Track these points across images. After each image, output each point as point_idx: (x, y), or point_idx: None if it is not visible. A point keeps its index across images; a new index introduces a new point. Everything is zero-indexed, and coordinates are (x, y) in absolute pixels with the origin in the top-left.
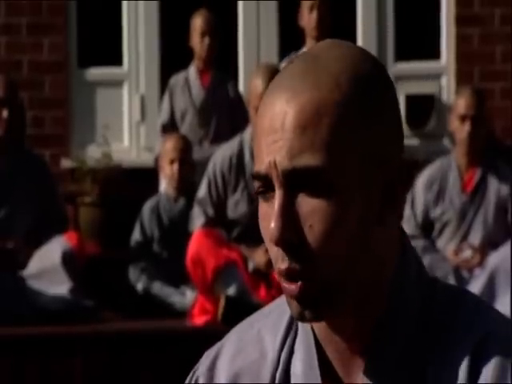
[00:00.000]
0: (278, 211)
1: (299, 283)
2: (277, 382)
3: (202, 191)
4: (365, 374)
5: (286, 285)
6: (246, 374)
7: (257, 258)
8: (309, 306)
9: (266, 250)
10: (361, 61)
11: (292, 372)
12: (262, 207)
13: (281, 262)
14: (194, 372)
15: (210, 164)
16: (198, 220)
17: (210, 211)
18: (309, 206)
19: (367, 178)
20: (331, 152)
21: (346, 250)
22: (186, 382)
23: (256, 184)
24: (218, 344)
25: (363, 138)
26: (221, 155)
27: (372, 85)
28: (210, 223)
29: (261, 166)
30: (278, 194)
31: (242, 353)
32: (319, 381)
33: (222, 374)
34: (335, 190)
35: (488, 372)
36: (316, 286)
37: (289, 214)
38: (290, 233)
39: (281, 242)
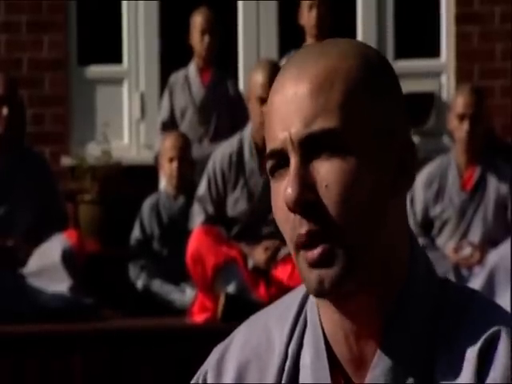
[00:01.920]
0: (294, 175)
1: (320, 247)
2: (285, 374)
3: (201, 189)
4: (374, 368)
5: (305, 252)
6: (253, 364)
7: (256, 256)
8: (330, 270)
9: (266, 248)
10: (365, 46)
11: (301, 364)
12: (275, 188)
13: (300, 227)
14: (203, 367)
15: (209, 162)
16: (197, 218)
17: (210, 209)
18: (324, 168)
19: (380, 144)
20: (345, 115)
21: (365, 214)
22: (196, 375)
23: (270, 163)
24: (229, 337)
25: (374, 105)
26: (220, 153)
27: (379, 65)
28: (209, 221)
29: (275, 142)
30: (294, 161)
31: (248, 343)
32: (327, 373)
33: (230, 366)
34: (349, 151)
35: (496, 371)
36: (338, 248)
37: (305, 177)
38: (307, 193)
39: (298, 204)
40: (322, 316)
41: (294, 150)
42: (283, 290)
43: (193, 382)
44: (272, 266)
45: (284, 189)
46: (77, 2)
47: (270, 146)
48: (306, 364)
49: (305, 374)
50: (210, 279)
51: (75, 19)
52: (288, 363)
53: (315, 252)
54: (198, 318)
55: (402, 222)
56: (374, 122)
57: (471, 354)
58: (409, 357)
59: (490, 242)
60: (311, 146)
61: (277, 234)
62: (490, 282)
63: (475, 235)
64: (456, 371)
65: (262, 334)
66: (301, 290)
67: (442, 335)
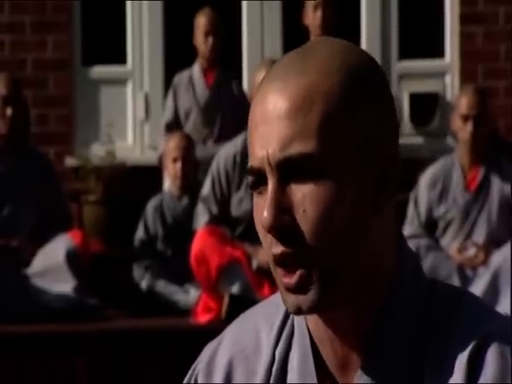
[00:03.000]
0: (271, 198)
1: (296, 274)
2: (273, 376)
3: (205, 189)
4: (361, 373)
5: (282, 276)
6: (241, 365)
7: (260, 256)
8: (306, 297)
9: None
10: (351, 51)
11: (289, 368)
12: (256, 202)
13: (275, 247)
14: (195, 367)
15: (213, 162)
16: (202, 218)
17: (214, 209)
18: (301, 192)
19: (359, 164)
20: (322, 138)
21: (343, 237)
22: (187, 376)
23: (250, 179)
24: (219, 337)
25: (354, 124)
26: (224, 153)
27: (362, 75)
28: (214, 221)
29: (254, 160)
30: (271, 184)
31: (238, 344)
32: (314, 377)
33: (220, 367)
34: (327, 175)
35: (487, 374)
36: (313, 273)
37: (281, 201)
38: (283, 218)
39: (274, 227)
40: (308, 320)
41: (272, 173)
42: None
43: (185, 381)
44: None
45: (262, 210)
46: (81, 3)
47: (250, 162)
48: (293, 367)
49: (292, 377)
50: (214, 280)
51: (79, 20)
52: (275, 366)
53: (292, 279)
54: (202, 318)
55: (386, 234)
56: (353, 143)
57: (461, 359)
58: (396, 363)
59: (494, 242)
60: (288, 168)
61: None
62: (495, 282)
63: (479, 236)
64: (446, 377)
65: (251, 335)
66: None
67: (430, 340)
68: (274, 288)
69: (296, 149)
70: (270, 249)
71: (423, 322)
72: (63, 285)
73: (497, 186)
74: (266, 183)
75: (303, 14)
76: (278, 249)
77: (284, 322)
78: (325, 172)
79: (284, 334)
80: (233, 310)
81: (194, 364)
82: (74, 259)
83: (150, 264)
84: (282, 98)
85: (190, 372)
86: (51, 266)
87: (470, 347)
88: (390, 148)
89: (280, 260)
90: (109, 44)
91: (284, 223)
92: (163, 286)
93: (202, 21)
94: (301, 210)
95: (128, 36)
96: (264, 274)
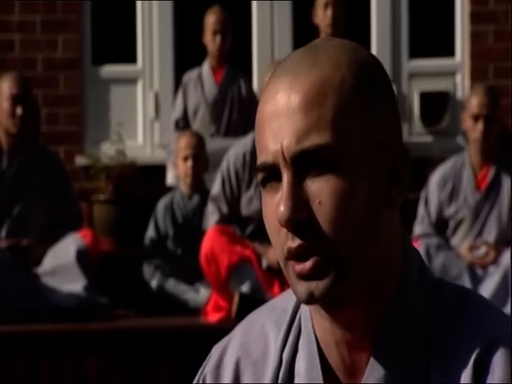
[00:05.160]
0: (287, 192)
1: (310, 260)
2: (280, 380)
3: (215, 188)
4: (368, 374)
5: (295, 264)
6: (249, 368)
7: (270, 255)
8: (319, 283)
9: None
10: (357, 48)
11: (296, 371)
12: (267, 199)
13: (291, 241)
14: (203, 368)
15: (223, 161)
16: (212, 217)
17: (224, 208)
18: (317, 184)
19: (373, 156)
20: (337, 129)
21: (358, 228)
22: (196, 378)
23: (260, 175)
24: (226, 338)
25: (366, 116)
26: (234, 152)
27: (370, 69)
28: (224, 220)
29: (267, 155)
30: (286, 178)
31: (246, 347)
32: (321, 380)
33: (228, 369)
34: (342, 167)
35: (494, 377)
36: (328, 261)
37: (298, 194)
38: (300, 212)
39: (291, 221)
40: (314, 323)
41: (287, 166)
42: None
43: (195, 381)
44: None
45: (276, 204)
46: (91, 2)
47: (261, 158)
48: (300, 371)
49: (299, 380)
50: (224, 279)
51: (89, 19)
52: (282, 369)
53: (306, 265)
54: (212, 317)
55: (395, 231)
56: (366, 135)
57: (468, 361)
58: (402, 365)
59: (504, 241)
60: (304, 161)
61: None
62: (505, 281)
63: (490, 235)
64: (452, 378)
65: (259, 338)
66: (293, 298)
67: (437, 341)
68: (283, 287)
69: (312, 141)
70: (284, 244)
71: (430, 321)
72: (73, 284)
73: (507, 185)
74: (277, 179)
75: (313, 13)
76: (295, 242)
77: (290, 324)
78: (340, 163)
79: (291, 337)
80: (243, 309)
81: (202, 366)
82: (84, 258)
83: (160, 263)
84: (294, 93)
85: (198, 374)
86: (61, 265)
87: (477, 349)
88: (400, 142)
89: (295, 253)
90: (119, 43)
91: (301, 216)
92: (173, 285)
93: (210, 19)
94: (316, 202)
95: (138, 35)
96: (274, 273)
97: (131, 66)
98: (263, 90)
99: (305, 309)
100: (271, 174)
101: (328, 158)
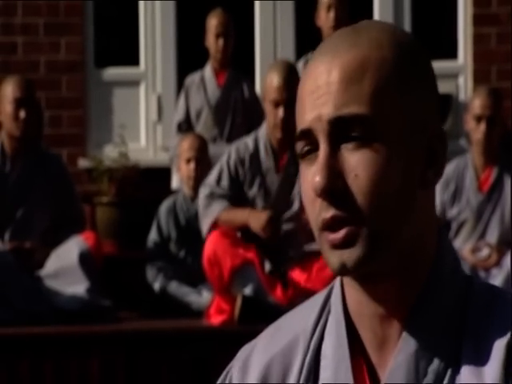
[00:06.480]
0: (323, 162)
1: (343, 229)
2: (305, 366)
3: (211, 179)
4: (400, 350)
5: (328, 235)
6: (277, 361)
7: (253, 222)
8: (352, 253)
9: (269, 219)
10: (401, 32)
11: (322, 353)
12: (304, 172)
13: (325, 212)
14: (230, 367)
15: (224, 156)
16: (215, 207)
17: (219, 191)
18: (354, 157)
19: (410, 135)
20: (376, 104)
21: (391, 202)
22: (223, 374)
23: (299, 145)
24: (254, 340)
25: (405, 94)
26: (236, 148)
27: (412, 52)
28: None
29: (305, 122)
30: (323, 148)
31: (274, 343)
32: (348, 359)
33: (256, 365)
34: (380, 141)
35: None
36: (360, 232)
37: (334, 165)
38: (336, 182)
39: (326, 191)
40: (347, 298)
41: (323, 133)
42: (300, 292)
43: (219, 381)
44: (269, 235)
45: (313, 174)
46: (94, 5)
47: (300, 126)
48: (327, 354)
49: (325, 365)
50: (227, 281)
51: (92, 21)
52: (309, 354)
53: (339, 234)
54: (215, 319)
55: (430, 214)
56: (405, 112)
57: (500, 343)
58: (434, 342)
59: (507, 243)
60: (341, 131)
61: (293, 231)
62: (508, 283)
63: (492, 236)
64: (482, 362)
65: (288, 334)
66: (325, 291)
67: (469, 324)
68: (286, 290)
69: (350, 110)
70: (319, 214)
71: (462, 309)
72: (76, 286)
73: (510, 186)
74: (316, 149)
75: (316, 15)
76: (329, 213)
77: (320, 314)
78: (377, 136)
79: (321, 322)
80: (245, 312)
81: (229, 365)
82: (87, 261)
83: (163, 265)
84: (334, 68)
85: (224, 373)
86: (64, 267)
87: (508, 336)
88: (437, 126)
89: (329, 224)
90: (121, 46)
91: (336, 186)
92: (176, 288)
93: (212, 22)
94: (352, 174)
95: (141, 38)
96: (277, 276)
97: (134, 69)
98: (306, 67)
99: (336, 291)
100: (309, 145)
101: (365, 131)
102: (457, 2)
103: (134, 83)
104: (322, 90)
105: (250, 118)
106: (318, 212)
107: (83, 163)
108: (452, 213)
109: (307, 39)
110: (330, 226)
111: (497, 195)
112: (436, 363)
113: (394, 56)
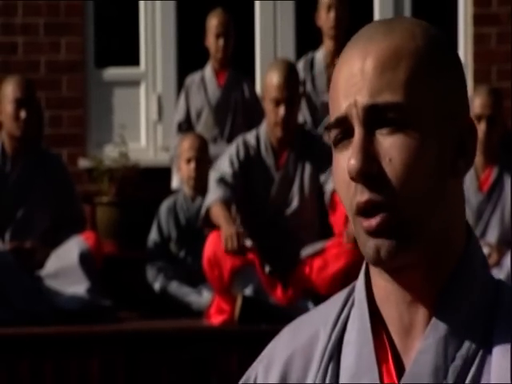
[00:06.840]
0: (358, 146)
1: (378, 216)
2: (327, 352)
3: (224, 166)
4: (428, 334)
5: (363, 221)
6: (297, 356)
7: (224, 230)
8: (386, 240)
9: (235, 234)
10: (430, 25)
11: (345, 341)
12: (338, 158)
13: (360, 196)
14: (254, 366)
15: (232, 146)
16: (214, 193)
17: (229, 188)
18: (388, 142)
19: (442, 123)
20: (410, 91)
21: (425, 188)
22: (245, 376)
23: (334, 132)
24: (276, 337)
25: (437, 83)
26: (243, 140)
27: (444, 45)
28: (227, 199)
29: (339, 110)
30: (358, 132)
31: (295, 338)
32: (371, 343)
33: (276, 366)
34: (413, 127)
35: None
36: (396, 219)
37: (368, 149)
38: (370, 165)
39: (361, 174)
40: (374, 285)
41: (358, 119)
42: (300, 292)
43: (241, 381)
44: (229, 249)
45: (347, 159)
46: (94, 4)
47: (335, 114)
48: (349, 341)
49: (348, 351)
50: (227, 281)
51: (93, 21)
52: (331, 343)
53: (373, 221)
54: (215, 320)
55: (459, 203)
56: (437, 101)
57: None
58: (464, 327)
59: (507, 243)
60: (375, 117)
61: (292, 228)
62: (508, 283)
63: (492, 236)
64: (507, 368)
65: (310, 329)
66: (348, 288)
67: (501, 309)
68: (286, 291)
69: (385, 98)
70: (353, 199)
71: (494, 296)
72: (76, 286)
73: (510, 186)
74: (350, 136)
75: (316, 15)
76: (364, 196)
77: (342, 307)
78: (410, 123)
79: (341, 317)
80: (246, 312)
81: (252, 365)
82: (87, 261)
83: (164, 265)
84: (368, 57)
85: (248, 371)
86: (65, 267)
87: None
88: (468, 118)
89: (364, 208)
90: (122, 46)
91: (370, 169)
92: (176, 288)
93: (212, 22)
94: (387, 158)
95: (141, 38)
96: (277, 276)
97: (134, 69)
98: (340, 57)
99: (360, 280)
100: (343, 132)
101: (399, 117)
102: (457, 1)
103: (134, 83)
104: (357, 78)
105: (251, 117)
106: (352, 196)
107: (83, 163)
108: None
109: (307, 39)
110: (365, 210)
111: (497, 195)
112: (465, 348)
113: (427, 46)
